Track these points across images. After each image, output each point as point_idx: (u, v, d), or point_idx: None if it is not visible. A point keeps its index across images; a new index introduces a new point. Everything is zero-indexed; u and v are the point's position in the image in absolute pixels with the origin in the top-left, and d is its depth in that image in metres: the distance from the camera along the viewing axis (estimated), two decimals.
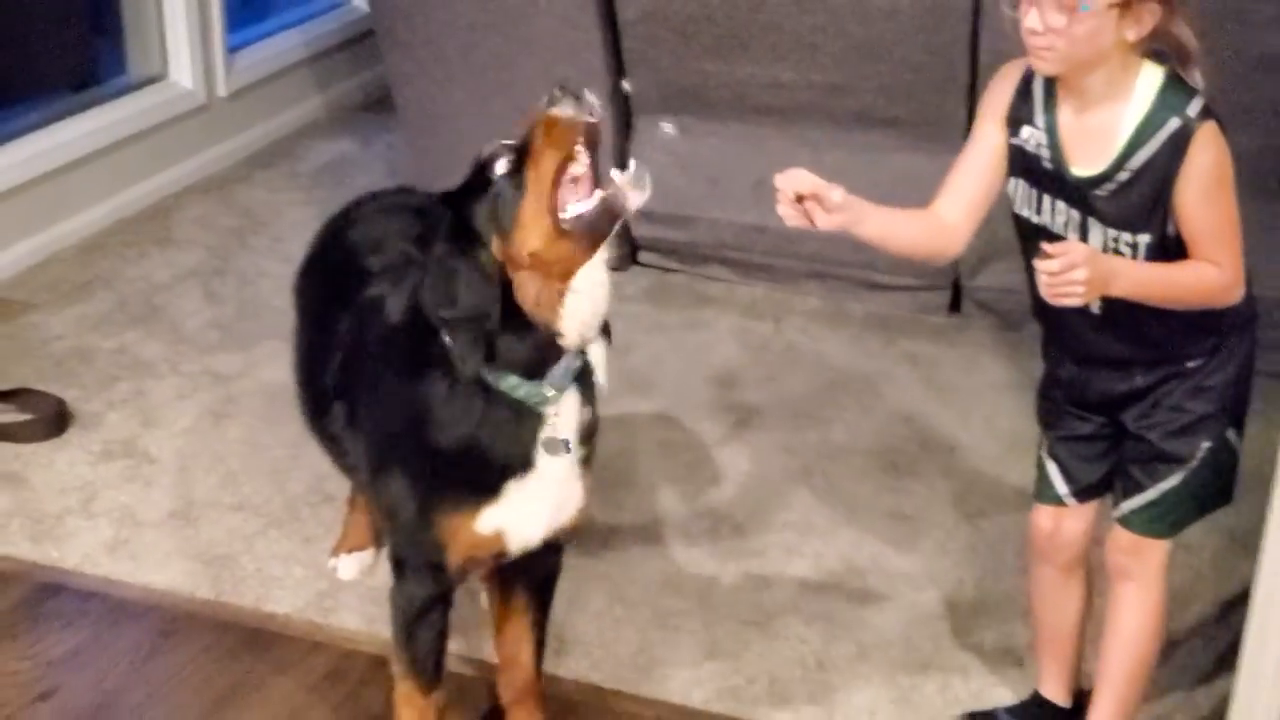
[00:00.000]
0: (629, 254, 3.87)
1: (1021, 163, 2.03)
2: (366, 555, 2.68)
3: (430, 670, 2.15)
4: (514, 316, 1.88)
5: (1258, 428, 2.14)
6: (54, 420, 3.07)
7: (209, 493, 2.90)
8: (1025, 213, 2.05)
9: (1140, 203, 1.94)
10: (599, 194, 1.88)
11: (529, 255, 1.86)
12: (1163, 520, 2.11)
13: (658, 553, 2.76)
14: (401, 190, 2.54)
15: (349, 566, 2.66)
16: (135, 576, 2.65)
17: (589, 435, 2.05)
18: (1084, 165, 1.96)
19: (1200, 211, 1.93)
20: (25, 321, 3.54)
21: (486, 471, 1.98)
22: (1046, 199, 2.02)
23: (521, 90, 3.73)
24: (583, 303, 1.90)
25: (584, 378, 2.01)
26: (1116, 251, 1.96)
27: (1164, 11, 1.88)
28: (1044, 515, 2.23)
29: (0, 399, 3.12)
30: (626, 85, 3.56)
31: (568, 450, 1.98)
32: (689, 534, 2.82)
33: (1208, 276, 1.95)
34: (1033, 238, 2.02)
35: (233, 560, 2.70)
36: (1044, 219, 2.02)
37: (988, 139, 2.07)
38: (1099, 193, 1.96)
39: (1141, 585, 2.15)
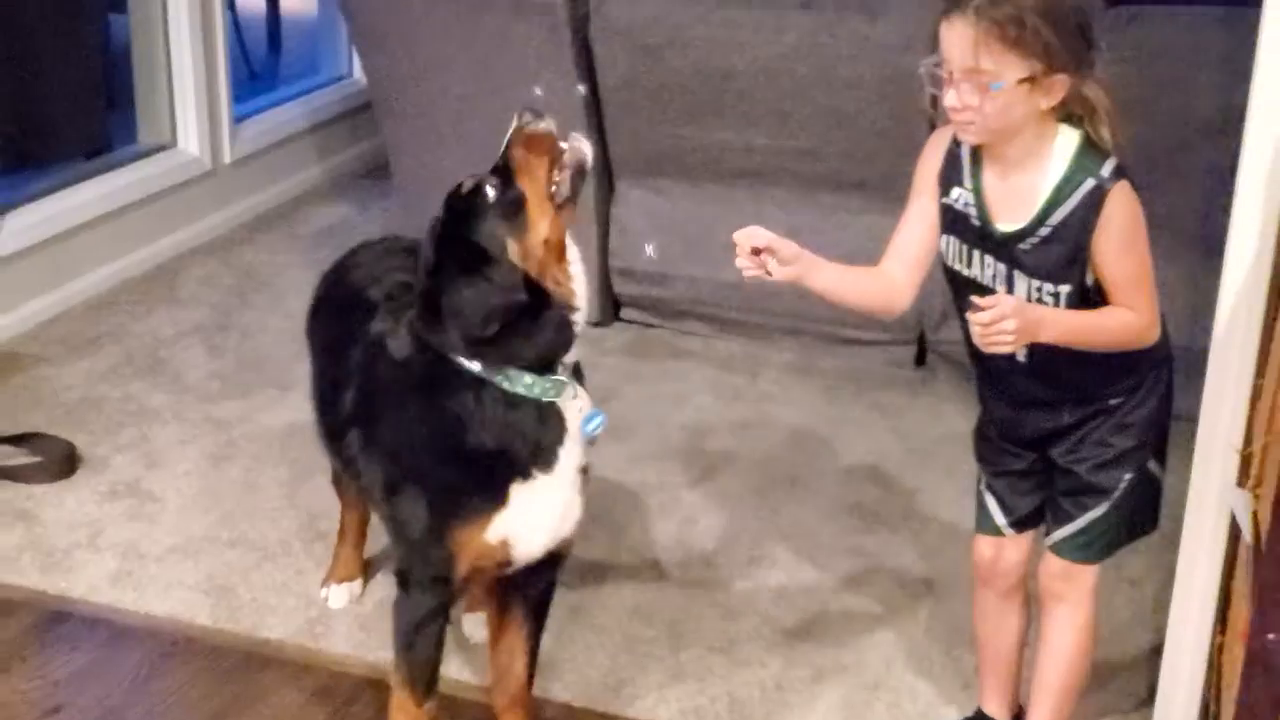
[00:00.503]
0: (611, 310, 4.06)
1: (952, 220, 2.18)
2: (355, 585, 2.84)
3: (426, 680, 2.31)
4: (530, 310, 2.12)
5: (1177, 458, 2.30)
6: (64, 463, 3.25)
7: (208, 529, 3.08)
8: (957, 266, 2.20)
9: (1060, 256, 2.08)
10: (566, 164, 2.16)
11: (543, 243, 2.12)
12: (1090, 547, 2.26)
13: (630, 584, 2.92)
14: (390, 237, 2.75)
15: (339, 595, 2.83)
16: (138, 605, 2.82)
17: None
18: (1008, 222, 2.11)
19: (1117, 262, 2.06)
20: (38, 373, 3.73)
21: (505, 477, 2.17)
22: (976, 254, 2.16)
23: None
24: (577, 266, 2.18)
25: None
26: (1041, 300, 2.11)
27: (1073, 80, 2.03)
28: (985, 544, 2.38)
29: (14, 443, 3.31)
30: (581, 89, 3.78)
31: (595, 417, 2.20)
32: (660, 568, 2.99)
33: (1126, 320, 2.09)
34: (964, 290, 2.17)
35: (229, 590, 2.87)
36: (974, 272, 2.17)
37: (922, 203, 2.22)
38: (1022, 247, 2.10)
39: (1072, 607, 2.30)
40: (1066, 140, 2.07)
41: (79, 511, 3.12)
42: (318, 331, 2.64)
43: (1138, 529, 2.28)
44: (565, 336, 2.16)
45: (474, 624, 2.71)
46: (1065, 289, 2.09)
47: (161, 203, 4.46)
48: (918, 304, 3.84)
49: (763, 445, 3.50)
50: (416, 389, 2.20)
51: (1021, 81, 2.00)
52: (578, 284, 2.18)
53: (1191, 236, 3.20)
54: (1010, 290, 2.13)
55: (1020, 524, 2.34)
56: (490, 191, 2.14)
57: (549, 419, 2.16)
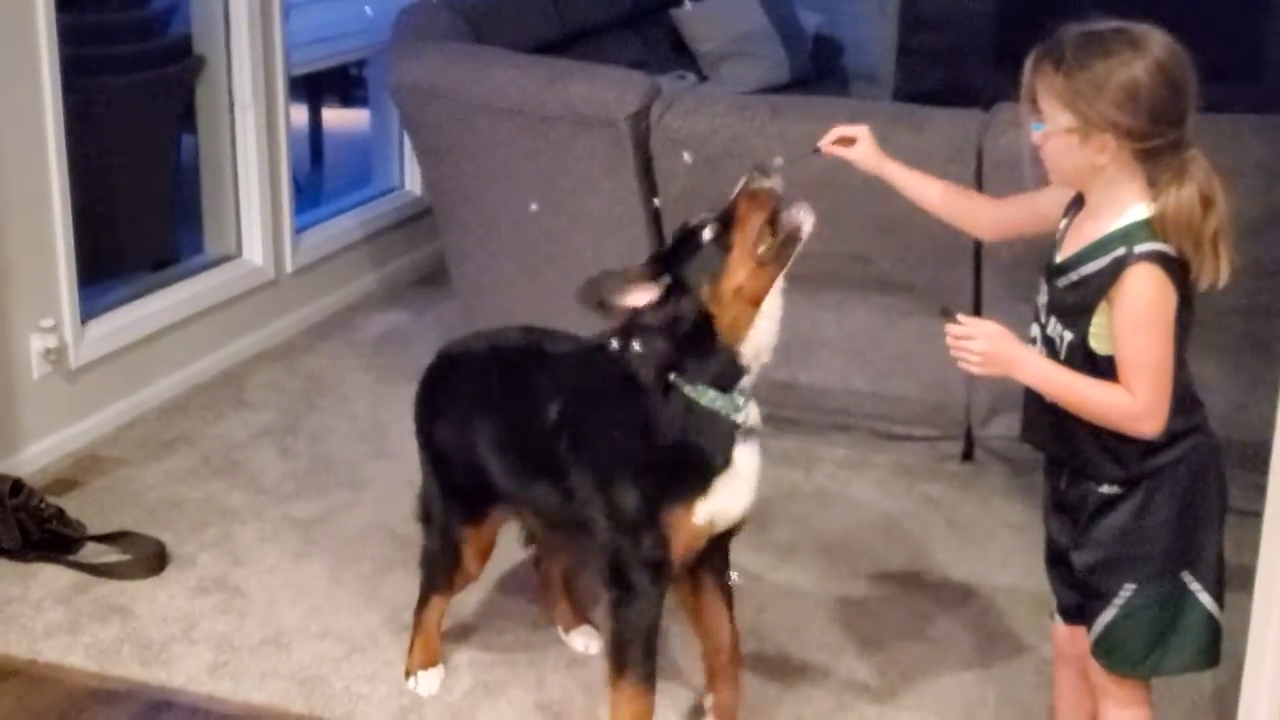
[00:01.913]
0: None
1: (1051, 246, 2.29)
2: (440, 670, 2.95)
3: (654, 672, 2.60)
4: (705, 344, 2.44)
5: (1228, 549, 2.33)
6: (154, 560, 3.37)
7: (296, 622, 3.19)
8: (1039, 292, 2.30)
9: (1074, 305, 2.17)
10: (782, 227, 2.45)
11: (734, 289, 2.42)
12: (1114, 655, 2.29)
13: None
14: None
15: (429, 681, 2.93)
16: (235, 695, 2.93)
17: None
18: (1062, 254, 2.23)
19: (1122, 339, 2.12)
20: (120, 475, 3.86)
21: (697, 471, 2.49)
22: (1042, 280, 2.28)
23: (570, 263, 4.10)
24: (765, 324, 2.47)
25: None
26: (1054, 337, 2.20)
27: (1118, 144, 2.09)
28: (1058, 625, 2.48)
29: (106, 541, 3.43)
30: (657, 202, 3.93)
31: (757, 435, 2.55)
32: None
33: (1116, 399, 2.13)
34: (1036, 315, 2.29)
35: (323, 680, 2.98)
36: (1039, 297, 2.29)
37: (1039, 199, 2.38)
38: (1057, 282, 2.21)
39: (1118, 705, 2.36)
40: (1137, 211, 2.13)
41: (171, 606, 3.24)
42: (478, 395, 2.79)
43: (1184, 660, 2.28)
44: (735, 369, 2.47)
45: (583, 637, 3.06)
46: (1069, 336, 2.18)
47: (227, 311, 4.61)
48: (965, 400, 3.97)
49: (822, 537, 3.61)
50: (622, 398, 2.51)
51: (1069, 131, 2.12)
52: (755, 337, 2.46)
53: (1236, 332, 3.34)
54: (1045, 320, 2.24)
55: (1067, 615, 2.42)
56: (707, 234, 2.43)
57: (724, 426, 2.49)
